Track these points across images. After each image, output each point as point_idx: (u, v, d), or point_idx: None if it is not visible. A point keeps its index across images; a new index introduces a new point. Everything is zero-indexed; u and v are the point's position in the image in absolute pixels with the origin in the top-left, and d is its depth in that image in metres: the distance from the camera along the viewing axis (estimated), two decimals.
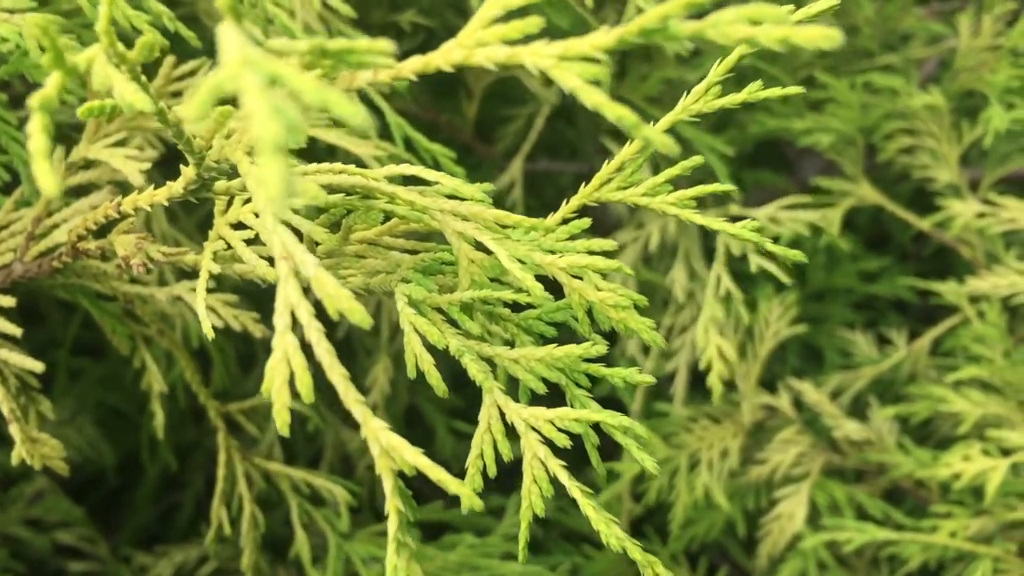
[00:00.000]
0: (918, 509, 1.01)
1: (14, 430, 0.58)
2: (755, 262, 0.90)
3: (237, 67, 0.26)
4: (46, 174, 0.29)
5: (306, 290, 0.37)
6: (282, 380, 0.33)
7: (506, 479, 0.51)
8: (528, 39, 0.33)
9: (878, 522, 0.97)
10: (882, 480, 1.03)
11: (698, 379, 1.09)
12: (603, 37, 0.32)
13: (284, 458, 0.95)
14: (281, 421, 0.33)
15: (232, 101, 0.34)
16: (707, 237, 1.04)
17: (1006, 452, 0.91)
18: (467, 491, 0.33)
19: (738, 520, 1.02)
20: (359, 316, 0.31)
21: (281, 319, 0.34)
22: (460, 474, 0.45)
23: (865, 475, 1.05)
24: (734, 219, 0.96)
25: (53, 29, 0.32)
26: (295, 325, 0.36)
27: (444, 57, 0.34)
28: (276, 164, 0.24)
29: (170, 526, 1.13)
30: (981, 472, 0.89)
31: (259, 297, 0.72)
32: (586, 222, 0.44)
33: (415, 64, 0.35)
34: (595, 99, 0.31)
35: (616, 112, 0.30)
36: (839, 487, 1.00)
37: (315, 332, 0.34)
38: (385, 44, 0.30)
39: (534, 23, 0.31)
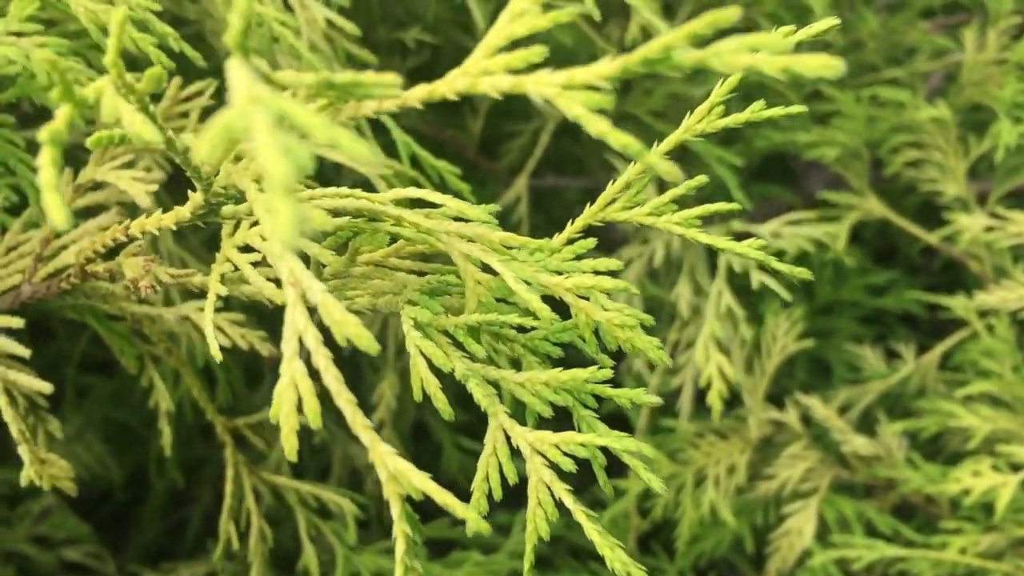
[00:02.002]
0: (928, 525, 1.00)
1: (23, 451, 0.58)
2: (757, 278, 0.90)
3: (246, 105, 0.26)
4: (57, 208, 0.30)
5: (312, 310, 0.36)
6: (290, 406, 0.33)
7: (512, 496, 0.50)
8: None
9: (888, 538, 0.96)
10: (891, 496, 1.02)
11: (704, 395, 1.09)
12: (607, 66, 0.32)
13: (292, 472, 0.95)
14: (289, 447, 0.33)
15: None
16: (712, 252, 1.04)
17: (1016, 468, 0.90)
18: (473, 515, 0.33)
19: (746, 536, 1.01)
20: (366, 342, 0.31)
21: (289, 345, 0.34)
22: (467, 490, 0.45)
23: (874, 490, 1.05)
24: (739, 236, 0.97)
25: (62, 63, 0.32)
26: (303, 347, 0.35)
27: (449, 86, 0.34)
28: (287, 203, 0.25)
29: (177, 542, 1.13)
30: (991, 488, 0.89)
31: (267, 316, 0.72)
32: (591, 242, 0.44)
33: (420, 93, 0.35)
34: (599, 128, 0.31)
35: (621, 140, 0.30)
36: (848, 503, 0.99)
37: (323, 359, 0.34)
38: (391, 78, 0.30)
39: (538, 52, 0.31)
